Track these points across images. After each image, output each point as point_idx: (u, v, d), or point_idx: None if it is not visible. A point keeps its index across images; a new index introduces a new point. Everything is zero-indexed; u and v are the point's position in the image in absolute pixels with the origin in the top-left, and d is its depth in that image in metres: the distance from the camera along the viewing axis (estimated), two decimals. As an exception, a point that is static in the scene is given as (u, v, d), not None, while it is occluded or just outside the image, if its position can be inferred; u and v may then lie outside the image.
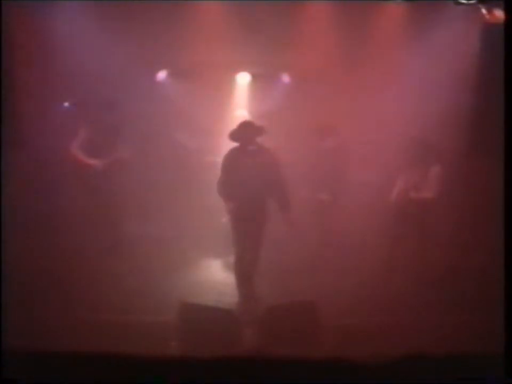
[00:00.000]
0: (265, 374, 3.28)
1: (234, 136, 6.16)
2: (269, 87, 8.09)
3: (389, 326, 5.75)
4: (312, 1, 7.45)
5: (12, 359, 3.28)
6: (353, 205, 7.22)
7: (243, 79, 8.09)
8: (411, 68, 7.28)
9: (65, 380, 3.23)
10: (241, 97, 8.12)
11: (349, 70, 7.46)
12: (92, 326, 5.49)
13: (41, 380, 3.21)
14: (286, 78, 8.10)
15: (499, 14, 6.23)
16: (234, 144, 6.23)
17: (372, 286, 6.56)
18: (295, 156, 7.32)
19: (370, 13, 7.33)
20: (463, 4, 6.42)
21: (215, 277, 7.00)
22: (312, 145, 7.36)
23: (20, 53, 6.52)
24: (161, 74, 8.05)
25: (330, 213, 7.24)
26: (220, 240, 6.62)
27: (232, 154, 6.21)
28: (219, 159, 6.31)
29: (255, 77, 8.07)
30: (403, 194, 6.84)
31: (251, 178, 6.09)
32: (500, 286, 4.42)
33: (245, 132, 6.12)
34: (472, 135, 6.90)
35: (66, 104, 7.70)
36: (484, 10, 6.48)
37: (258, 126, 6.17)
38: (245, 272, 6.37)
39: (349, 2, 7.15)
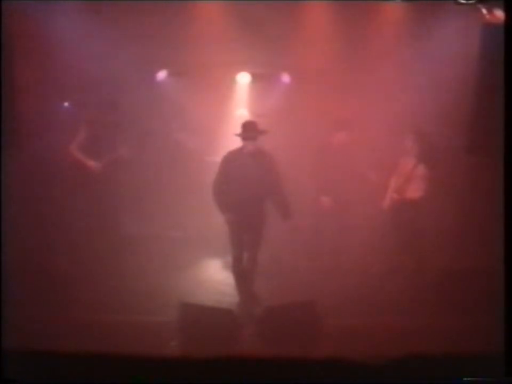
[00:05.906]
0: (265, 374, 3.28)
1: (244, 134, 6.11)
2: (269, 87, 8.08)
3: (388, 326, 5.76)
4: (312, 1, 7.43)
5: (12, 359, 3.28)
6: (355, 205, 7.22)
7: (243, 78, 8.07)
8: (411, 67, 7.28)
9: (65, 380, 3.23)
10: (242, 97, 8.11)
11: (349, 70, 7.46)
12: (91, 326, 5.50)
13: (41, 380, 3.22)
14: (286, 78, 8.09)
15: (499, 14, 6.20)
16: (235, 144, 6.21)
17: (371, 286, 6.56)
18: (296, 156, 7.31)
19: (371, 13, 7.31)
20: (463, 4, 6.39)
21: (215, 277, 7.00)
22: (320, 141, 7.33)
23: (19, 53, 6.50)
24: (161, 74, 8.04)
25: (331, 214, 7.21)
26: (220, 240, 6.61)
27: (231, 155, 6.20)
28: (219, 159, 6.30)
29: (255, 77, 8.05)
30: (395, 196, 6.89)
31: (249, 179, 6.07)
32: (500, 286, 4.42)
33: (249, 131, 6.09)
34: (472, 135, 6.88)
35: (65, 104, 7.70)
36: (484, 10, 6.45)
37: (260, 126, 6.15)
38: (243, 273, 6.36)
39: (349, 2, 7.14)
